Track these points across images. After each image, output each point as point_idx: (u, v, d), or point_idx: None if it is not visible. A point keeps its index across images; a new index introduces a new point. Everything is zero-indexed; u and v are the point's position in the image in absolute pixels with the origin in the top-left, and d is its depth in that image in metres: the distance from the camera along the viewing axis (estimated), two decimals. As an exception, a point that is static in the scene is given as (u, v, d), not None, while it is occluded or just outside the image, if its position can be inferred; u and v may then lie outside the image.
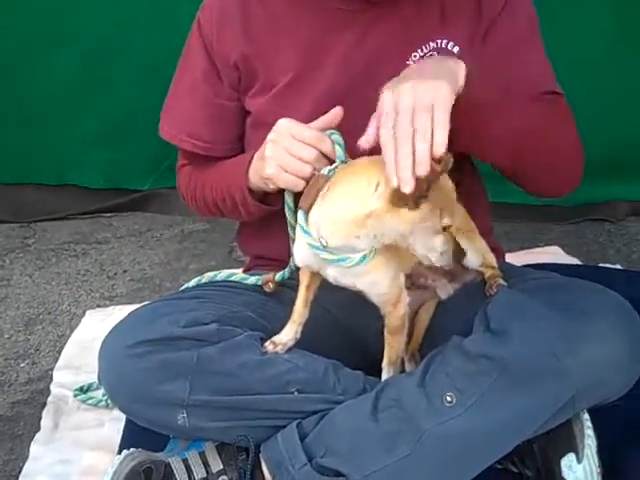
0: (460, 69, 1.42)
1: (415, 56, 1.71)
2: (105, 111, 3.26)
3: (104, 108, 3.25)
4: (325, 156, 1.56)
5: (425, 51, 1.71)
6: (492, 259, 1.73)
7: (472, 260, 1.69)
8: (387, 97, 1.36)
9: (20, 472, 1.85)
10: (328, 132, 1.57)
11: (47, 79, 3.22)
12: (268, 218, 1.77)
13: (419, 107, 1.31)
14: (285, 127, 1.59)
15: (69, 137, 3.31)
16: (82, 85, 3.23)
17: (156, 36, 3.06)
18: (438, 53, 1.70)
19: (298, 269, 1.65)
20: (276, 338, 1.65)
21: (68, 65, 3.21)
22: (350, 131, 1.49)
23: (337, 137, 1.56)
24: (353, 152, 1.51)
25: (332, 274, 1.55)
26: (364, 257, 1.48)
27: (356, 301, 1.59)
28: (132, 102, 3.19)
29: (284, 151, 1.56)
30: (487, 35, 1.73)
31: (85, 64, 3.20)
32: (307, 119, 1.60)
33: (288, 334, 1.65)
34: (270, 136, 1.61)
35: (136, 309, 1.76)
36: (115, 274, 2.96)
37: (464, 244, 1.67)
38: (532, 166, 1.67)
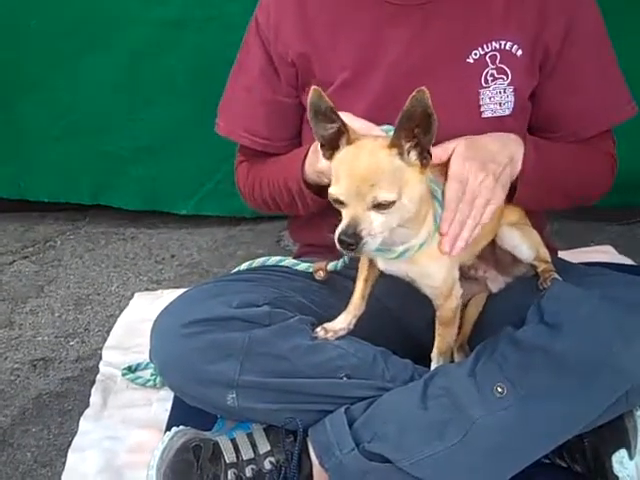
0: (519, 154, 1.61)
1: (476, 54, 1.70)
2: (145, 123, 3.06)
3: (146, 119, 3.05)
4: None
5: (487, 50, 1.70)
6: (546, 253, 1.72)
7: (526, 253, 1.69)
8: (455, 184, 1.53)
9: (69, 446, 1.88)
10: (385, 128, 1.56)
11: (85, 85, 3.01)
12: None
13: (478, 204, 1.55)
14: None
15: (105, 152, 3.11)
16: (123, 92, 3.02)
17: (204, 39, 2.91)
18: (500, 54, 1.69)
19: (354, 260, 1.66)
20: (328, 325, 1.66)
21: (109, 69, 2.99)
22: None
23: None
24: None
25: (381, 264, 1.56)
26: (405, 251, 1.48)
27: (407, 290, 1.59)
28: (177, 113, 3.01)
29: None
30: (558, 56, 1.72)
31: (127, 67, 2.99)
32: (364, 115, 1.60)
33: (341, 323, 1.66)
34: None
35: (188, 290, 1.78)
36: (163, 259, 3.00)
37: (518, 237, 1.67)
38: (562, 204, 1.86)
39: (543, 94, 1.76)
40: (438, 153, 1.55)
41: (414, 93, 1.33)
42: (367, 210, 1.37)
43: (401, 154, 1.38)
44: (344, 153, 1.42)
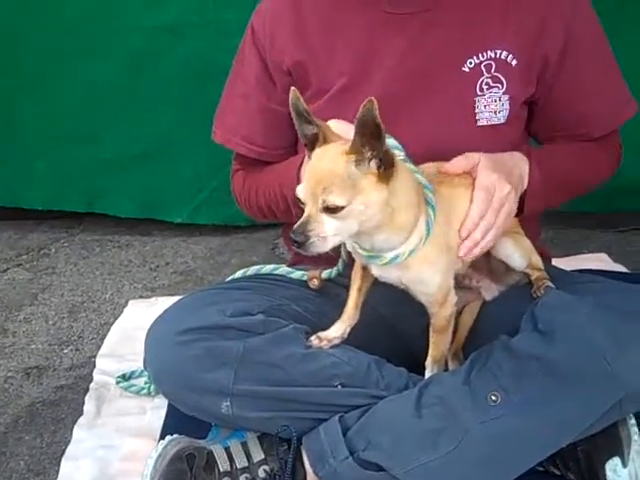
0: (525, 172, 1.67)
1: (471, 63, 1.70)
2: (141, 130, 3.06)
3: (141, 126, 3.05)
4: None
5: (482, 59, 1.70)
6: (538, 261, 1.72)
7: (518, 261, 1.69)
8: (483, 193, 1.57)
9: (63, 454, 1.88)
10: None
11: (81, 92, 3.02)
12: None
13: (503, 213, 1.59)
14: (333, 128, 1.59)
15: (100, 159, 3.10)
16: (118, 99, 3.02)
17: (200, 46, 2.91)
18: (495, 63, 1.70)
19: (349, 268, 1.66)
20: (322, 334, 1.65)
21: (104, 76, 2.99)
22: (403, 134, 1.51)
23: (392, 141, 1.52)
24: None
25: (375, 271, 1.56)
26: (395, 257, 1.49)
27: (401, 298, 1.59)
28: (172, 120, 3.02)
29: None
30: (559, 65, 1.73)
31: (122, 75, 3.00)
32: None
33: (335, 332, 1.66)
34: None
35: (183, 297, 1.78)
36: (157, 266, 3.00)
37: (511, 246, 1.68)
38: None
39: (549, 101, 1.77)
40: (461, 163, 1.58)
41: (365, 102, 1.34)
42: (320, 212, 1.39)
43: (360, 161, 1.39)
44: (313, 154, 1.45)
